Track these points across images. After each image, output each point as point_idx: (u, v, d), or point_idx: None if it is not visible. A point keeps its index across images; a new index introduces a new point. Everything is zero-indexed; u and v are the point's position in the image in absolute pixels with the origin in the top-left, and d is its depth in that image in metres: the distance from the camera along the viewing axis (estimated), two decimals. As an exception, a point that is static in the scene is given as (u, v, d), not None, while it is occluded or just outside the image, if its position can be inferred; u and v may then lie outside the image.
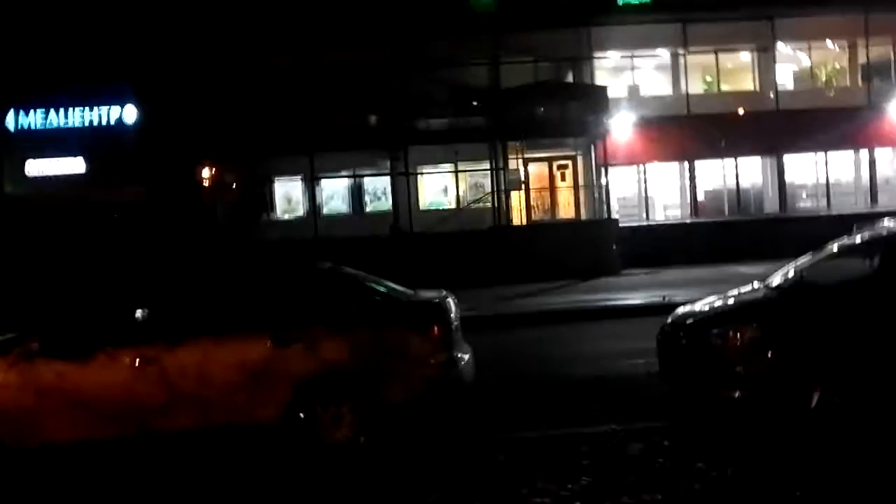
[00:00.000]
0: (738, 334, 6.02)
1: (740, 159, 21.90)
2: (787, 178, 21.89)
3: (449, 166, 21.13)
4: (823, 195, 22.03)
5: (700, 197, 22.02)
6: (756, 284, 6.97)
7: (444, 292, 6.48)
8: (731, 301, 6.80)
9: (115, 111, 20.04)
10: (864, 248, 6.84)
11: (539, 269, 18.20)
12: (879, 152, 22.09)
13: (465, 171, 21.15)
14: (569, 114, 19.81)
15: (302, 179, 20.69)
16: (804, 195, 22.13)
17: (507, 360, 9.75)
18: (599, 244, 19.23)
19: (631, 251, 19.55)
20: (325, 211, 20.67)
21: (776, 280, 6.87)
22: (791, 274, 6.87)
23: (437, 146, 20.10)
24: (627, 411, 6.54)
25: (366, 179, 20.99)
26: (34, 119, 19.94)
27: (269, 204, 20.84)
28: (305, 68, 19.55)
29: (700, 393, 6.21)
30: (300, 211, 20.76)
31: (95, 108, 19.93)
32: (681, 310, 7.05)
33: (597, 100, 20.14)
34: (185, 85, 19.39)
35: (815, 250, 7.22)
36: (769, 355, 5.91)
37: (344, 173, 20.74)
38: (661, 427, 5.89)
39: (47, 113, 19.91)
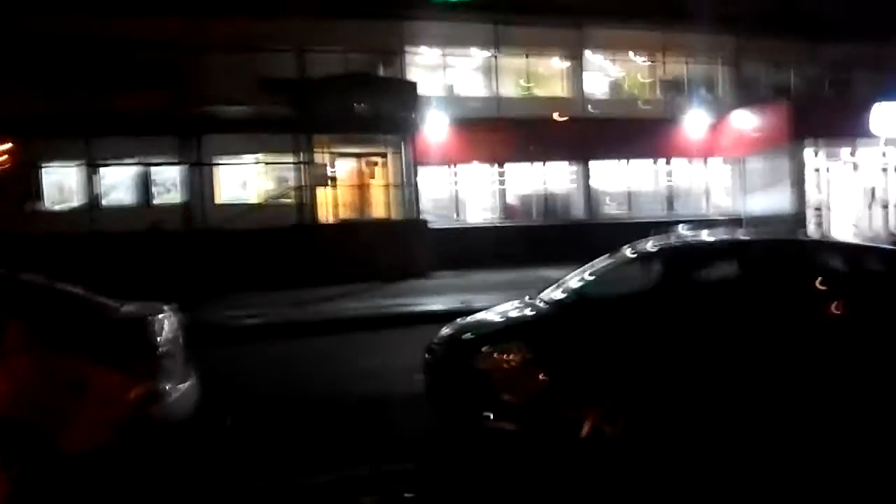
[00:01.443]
0: (506, 356, 5.28)
1: (550, 164, 22.13)
2: (594, 184, 22.38)
3: (250, 157, 19.53)
4: (626, 202, 22.76)
5: (511, 200, 21.99)
6: (534, 296, 6.34)
7: (159, 306, 5.22)
8: (503, 316, 6.10)
9: None
10: (645, 258, 6.46)
11: (345, 270, 17.31)
12: (676, 162, 23.17)
13: (268, 163, 19.63)
14: (379, 108, 18.92)
15: (78, 165, 18.23)
16: (608, 201, 22.74)
17: (277, 375, 8.64)
18: (408, 245, 18.61)
19: (441, 253, 19.14)
20: (104, 202, 18.35)
21: (553, 293, 6.27)
22: (568, 285, 6.31)
23: (237, 135, 18.46)
24: (386, 444, 5.62)
25: (154, 169, 18.89)
26: None
27: (37, 192, 18.17)
28: (86, 38, 17.23)
29: (467, 423, 5.40)
30: (75, 201, 18.29)
31: None
32: (457, 322, 6.29)
33: (408, 95, 19.43)
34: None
35: (599, 258, 6.78)
36: (539, 380, 5.22)
37: (128, 161, 18.52)
38: (409, 471, 4.99)
39: None
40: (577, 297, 6.11)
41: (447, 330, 6.04)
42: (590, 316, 5.62)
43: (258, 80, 18.59)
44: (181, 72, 17.92)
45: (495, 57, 21.85)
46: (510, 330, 5.77)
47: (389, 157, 20.12)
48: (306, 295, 15.26)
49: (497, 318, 6.08)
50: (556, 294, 6.27)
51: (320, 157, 19.53)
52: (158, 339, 4.78)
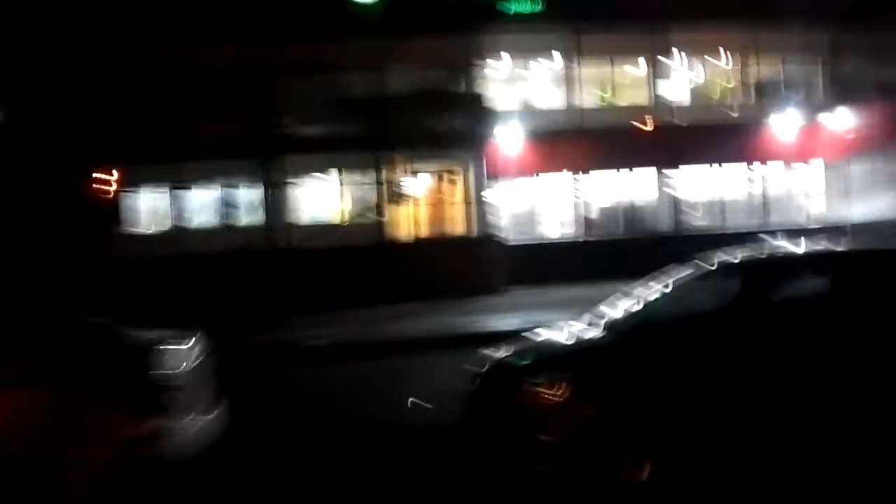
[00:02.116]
0: (552, 389, 4.84)
1: (632, 174, 21.33)
2: (679, 193, 21.42)
3: (329, 177, 19.72)
4: (715, 211, 21.68)
5: (591, 212, 21.31)
6: (597, 317, 5.86)
7: (179, 334, 5.09)
8: (554, 342, 5.60)
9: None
10: (725, 271, 5.64)
11: (421, 287, 17.22)
12: (769, 167, 21.87)
13: (347, 183, 19.76)
14: (453, 124, 18.80)
15: (167, 189, 18.89)
16: (696, 211, 21.71)
17: (325, 400, 8.48)
18: (482, 261, 18.38)
19: (519, 268, 18.84)
20: (192, 225, 18.91)
21: (615, 312, 5.69)
22: (631, 305, 5.71)
23: (316, 155, 18.72)
24: (414, 486, 5.31)
25: (239, 191, 19.32)
26: None
27: (129, 215, 18.90)
28: (174, 68, 17.89)
29: (506, 465, 5.01)
30: (165, 224, 18.94)
31: None
32: (502, 347, 5.83)
33: (482, 109, 19.23)
34: (42, 87, 17.54)
35: (674, 272, 6.12)
36: (586, 420, 4.76)
37: (213, 183, 19.05)
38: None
39: None
40: (638, 320, 5.43)
41: (491, 355, 5.66)
42: (649, 344, 5.02)
43: (335, 101, 18.76)
44: (263, 95, 18.31)
45: (572, 66, 21.28)
46: (556, 360, 5.28)
47: (465, 172, 19.89)
48: (381, 313, 15.24)
49: (547, 344, 5.60)
50: (617, 315, 5.67)
51: (397, 174, 19.55)
52: (168, 371, 4.64)
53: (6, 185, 17.39)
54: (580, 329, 5.75)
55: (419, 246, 18.89)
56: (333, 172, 19.59)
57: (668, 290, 5.75)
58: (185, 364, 4.79)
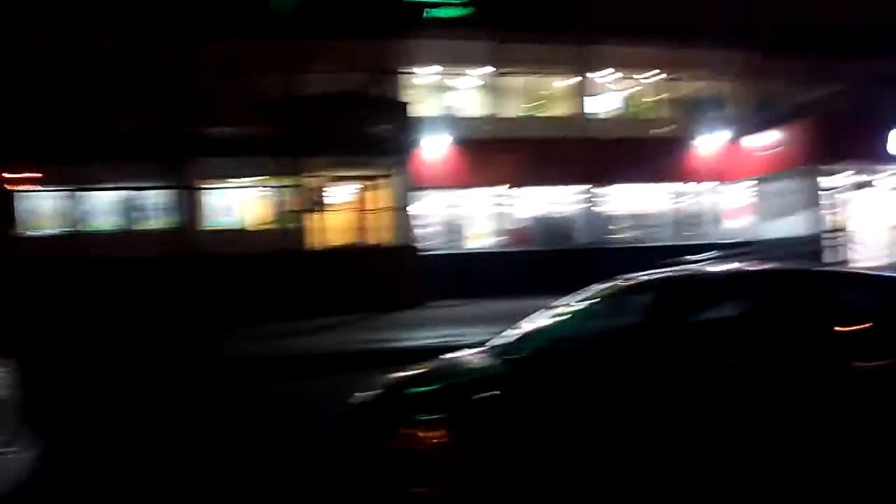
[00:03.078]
0: (431, 431, 4.05)
1: (555, 188, 21.12)
2: (602, 208, 21.33)
3: (243, 181, 18.73)
4: (636, 226, 21.69)
5: (513, 225, 20.97)
6: (490, 344, 5.19)
7: None
8: (443, 371, 4.91)
9: None
10: (635, 293, 5.27)
11: (336, 299, 16.48)
12: (689, 185, 22.08)
13: (262, 188, 18.81)
14: (372, 129, 18.13)
15: (58, 189, 17.53)
16: (618, 226, 21.68)
17: (189, 423, 7.62)
18: (401, 273, 17.73)
19: (440, 280, 18.28)
20: (85, 227, 17.59)
21: (509, 337, 5.13)
22: (529, 327, 5.20)
23: (230, 158, 17.71)
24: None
25: (139, 193, 18.12)
26: None
27: (12, 216, 17.44)
28: (80, 61, 16.66)
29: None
30: (56, 226, 17.56)
31: None
32: (390, 378, 5.01)
33: (403, 116, 18.61)
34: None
35: (585, 290, 5.66)
36: (465, 468, 3.98)
37: (112, 185, 17.79)
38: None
39: None
40: (535, 345, 4.88)
41: (383, 381, 4.95)
42: (545, 375, 4.38)
43: (251, 102, 17.84)
44: (172, 94, 17.26)
45: (499, 76, 20.99)
46: (436, 396, 4.45)
47: (385, 180, 19.23)
48: (295, 327, 14.40)
49: (436, 372, 4.90)
50: (511, 339, 5.11)
51: (315, 180, 18.75)
52: None
53: None
54: (472, 354, 5.16)
55: (338, 255, 18.09)
56: (248, 177, 18.63)
57: (576, 310, 5.34)
58: None
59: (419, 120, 19.30)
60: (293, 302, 16.28)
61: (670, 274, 5.35)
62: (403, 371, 5.04)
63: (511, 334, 5.26)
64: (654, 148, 20.99)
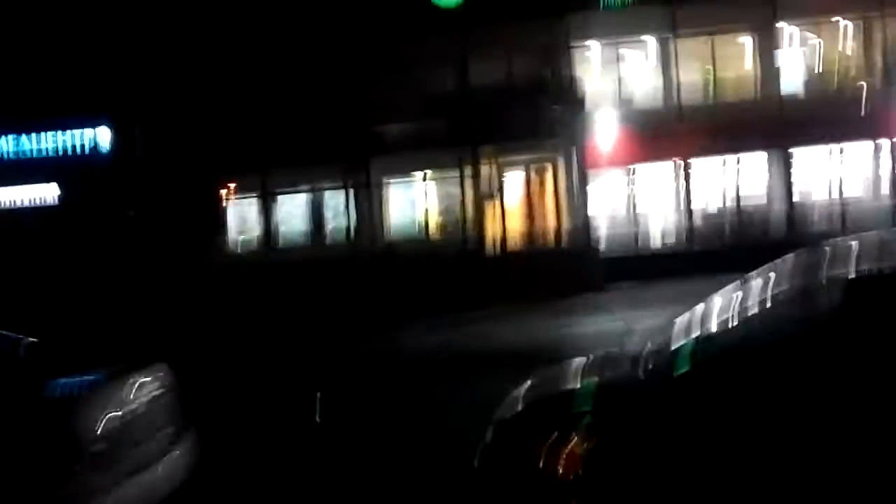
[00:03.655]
0: (560, 449, 3.53)
1: (741, 157, 19.40)
2: (794, 181, 19.31)
3: (417, 177, 19.27)
4: (835, 203, 19.21)
5: (697, 200, 19.57)
6: (637, 346, 4.29)
7: (121, 369, 4.49)
8: (575, 382, 4.27)
9: (87, 134, 18.82)
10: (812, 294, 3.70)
11: (518, 287, 16.38)
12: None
13: (435, 181, 19.25)
14: (546, 111, 17.83)
15: (256, 196, 19.02)
16: (813, 202, 19.46)
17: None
18: (582, 257, 17.44)
19: (619, 264, 17.74)
20: (282, 230, 18.97)
21: (666, 340, 4.06)
22: (693, 328, 4.04)
23: (404, 156, 18.28)
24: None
25: (326, 196, 19.20)
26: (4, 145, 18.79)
27: (223, 223, 19.18)
28: (254, 76, 17.93)
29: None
30: (255, 231, 19.09)
31: (69, 133, 18.77)
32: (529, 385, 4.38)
33: (574, 96, 18.16)
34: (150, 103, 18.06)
35: (769, 270, 4.11)
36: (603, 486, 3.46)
37: (302, 188, 19.02)
38: None
39: (18, 139, 18.76)
40: (695, 356, 3.74)
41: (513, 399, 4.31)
42: (706, 398, 3.45)
43: (420, 98, 18.23)
44: (345, 99, 18.03)
45: (672, 40, 19.53)
46: (564, 406, 3.87)
47: (559, 164, 18.91)
48: (467, 319, 14.64)
49: (565, 385, 4.25)
50: (667, 345, 3.97)
51: (487, 169, 18.86)
52: (98, 421, 3.98)
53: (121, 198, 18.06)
54: (612, 358, 4.37)
55: (514, 244, 18.14)
56: (421, 172, 19.12)
57: (759, 302, 3.92)
58: (129, 406, 4.23)
59: (593, 97, 18.72)
60: (474, 292, 16.45)
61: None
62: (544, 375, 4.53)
63: (665, 337, 4.16)
64: (857, 104, 18.60)
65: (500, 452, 3.84)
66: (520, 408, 4.14)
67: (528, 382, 4.42)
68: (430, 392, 8.92)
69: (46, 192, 19.16)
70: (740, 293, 4.09)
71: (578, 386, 4.15)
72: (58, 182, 18.98)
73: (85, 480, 3.92)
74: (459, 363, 10.60)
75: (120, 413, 4.22)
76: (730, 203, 19.47)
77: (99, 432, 4.06)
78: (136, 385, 4.45)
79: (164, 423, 4.60)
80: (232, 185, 19.00)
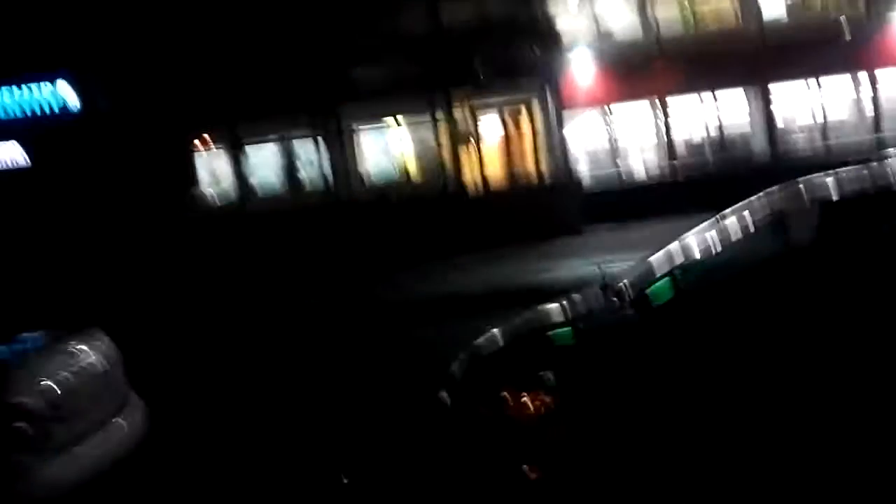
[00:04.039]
0: (527, 399, 3.36)
1: (720, 94, 19.18)
2: (776, 113, 19.15)
3: (390, 122, 18.79)
4: (818, 132, 19.28)
5: (675, 139, 19.44)
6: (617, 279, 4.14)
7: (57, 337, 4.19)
8: (554, 318, 4.11)
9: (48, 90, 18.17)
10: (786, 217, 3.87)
11: (495, 231, 16.20)
12: (881, 74, 19.13)
13: (409, 126, 18.78)
14: (520, 52, 17.34)
15: (226, 148, 18.51)
16: (796, 132, 19.41)
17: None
18: (560, 199, 17.15)
19: (597, 204, 17.47)
20: (255, 181, 18.53)
21: (646, 269, 4.02)
22: (672, 256, 4.01)
23: (376, 100, 17.75)
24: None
25: (296, 146, 18.71)
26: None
27: (194, 177, 18.71)
28: (220, 23, 17.22)
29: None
30: (227, 183, 18.65)
31: (29, 88, 18.09)
32: (497, 329, 4.24)
33: (547, 33, 17.63)
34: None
35: (751, 200, 4.18)
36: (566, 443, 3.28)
37: (271, 138, 18.51)
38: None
39: None
40: (678, 284, 3.71)
41: (475, 344, 4.17)
42: (689, 329, 3.38)
43: (390, 40, 17.65)
44: (311, 41, 17.41)
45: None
46: (535, 352, 3.71)
47: (535, 105, 18.48)
48: (446, 265, 14.46)
49: (546, 321, 4.10)
50: (646, 273, 3.95)
51: (462, 112, 18.41)
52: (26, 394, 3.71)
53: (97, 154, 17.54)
54: (593, 294, 4.14)
55: (491, 187, 17.82)
56: (393, 117, 18.64)
57: (738, 231, 3.91)
58: (62, 375, 3.93)
59: (566, 36, 18.22)
60: (452, 239, 16.21)
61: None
62: (513, 320, 4.36)
63: (643, 266, 4.13)
64: (837, 35, 18.24)
65: (472, 392, 3.70)
66: (500, 345, 4.02)
67: (508, 322, 4.31)
68: (412, 335, 8.86)
69: (10, 153, 18.54)
70: (717, 227, 4.10)
71: (559, 321, 4.05)
72: (22, 141, 18.39)
73: (14, 454, 3.69)
74: (442, 307, 10.46)
75: (52, 382, 3.95)
76: (713, 134, 19.18)
77: (30, 403, 3.81)
78: (73, 353, 4.18)
79: (103, 393, 4.31)
80: (202, 138, 18.42)
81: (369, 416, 5.84)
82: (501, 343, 4.08)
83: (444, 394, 3.84)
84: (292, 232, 16.70)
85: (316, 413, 6.26)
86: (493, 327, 4.32)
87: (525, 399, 3.41)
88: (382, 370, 7.48)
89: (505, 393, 3.45)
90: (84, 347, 4.30)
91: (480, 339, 4.21)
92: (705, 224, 4.25)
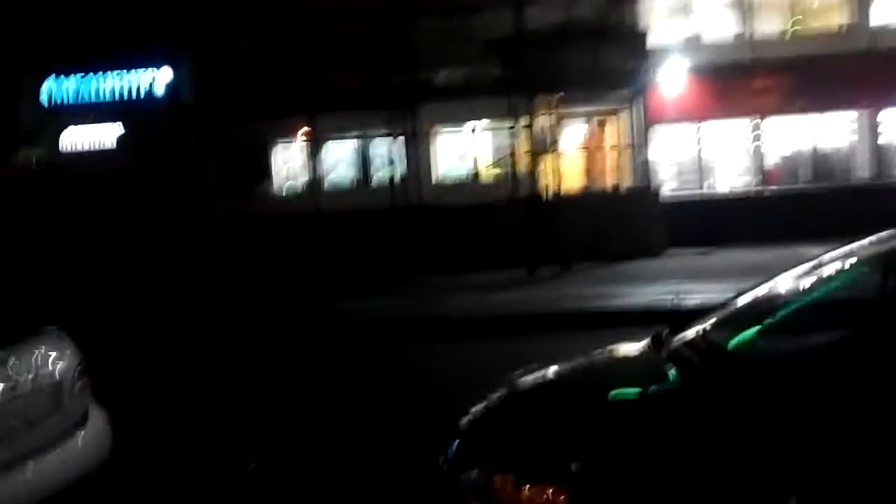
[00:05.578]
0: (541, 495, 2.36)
1: (823, 116, 17.90)
2: (885, 138, 17.79)
3: (466, 126, 18.28)
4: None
5: (771, 161, 18.28)
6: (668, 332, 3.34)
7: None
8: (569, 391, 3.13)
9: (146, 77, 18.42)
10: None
11: (566, 246, 15.47)
12: None
13: (488, 131, 18.23)
14: (605, 61, 16.54)
15: (303, 144, 18.36)
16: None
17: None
18: (636, 218, 16.29)
19: (682, 225, 16.55)
20: (329, 178, 18.34)
21: (711, 322, 3.25)
22: (743, 308, 3.30)
23: (455, 103, 17.27)
24: None
25: (372, 146, 18.41)
26: (69, 88, 18.45)
27: (268, 172, 18.66)
28: (302, 19, 17.07)
29: None
30: (301, 179, 18.50)
31: (133, 74, 18.39)
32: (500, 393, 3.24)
33: (639, 43, 16.79)
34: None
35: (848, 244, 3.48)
36: None
37: (349, 136, 18.28)
38: None
39: (83, 82, 18.43)
40: (745, 344, 3.04)
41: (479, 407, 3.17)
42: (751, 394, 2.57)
43: (473, 43, 17.13)
44: (393, 42, 17.09)
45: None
46: (550, 443, 2.60)
47: (620, 116, 17.64)
48: (513, 277, 13.88)
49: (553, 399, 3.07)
50: (711, 327, 3.19)
51: (543, 121, 17.73)
52: None
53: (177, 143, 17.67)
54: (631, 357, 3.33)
55: (572, 200, 17.07)
56: (479, 120, 18.11)
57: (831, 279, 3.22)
58: (11, 382, 3.47)
59: (659, 47, 17.33)
60: (523, 250, 15.60)
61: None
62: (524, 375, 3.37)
63: (708, 319, 3.32)
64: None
65: (464, 469, 2.72)
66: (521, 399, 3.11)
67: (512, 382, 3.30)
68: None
69: (106, 136, 18.83)
70: (818, 273, 3.33)
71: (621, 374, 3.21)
72: (121, 123, 18.65)
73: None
74: (498, 324, 9.90)
75: None
76: (810, 157, 18.05)
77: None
78: (23, 358, 3.69)
79: (60, 403, 3.85)
80: (281, 131, 18.32)
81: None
82: (524, 397, 3.13)
83: (441, 461, 2.91)
84: (358, 229, 16.38)
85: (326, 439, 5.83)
86: (533, 368, 3.38)
87: (526, 492, 2.40)
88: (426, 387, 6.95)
89: (497, 479, 2.49)
90: (40, 351, 3.82)
91: (502, 390, 3.24)
92: (804, 266, 3.48)
